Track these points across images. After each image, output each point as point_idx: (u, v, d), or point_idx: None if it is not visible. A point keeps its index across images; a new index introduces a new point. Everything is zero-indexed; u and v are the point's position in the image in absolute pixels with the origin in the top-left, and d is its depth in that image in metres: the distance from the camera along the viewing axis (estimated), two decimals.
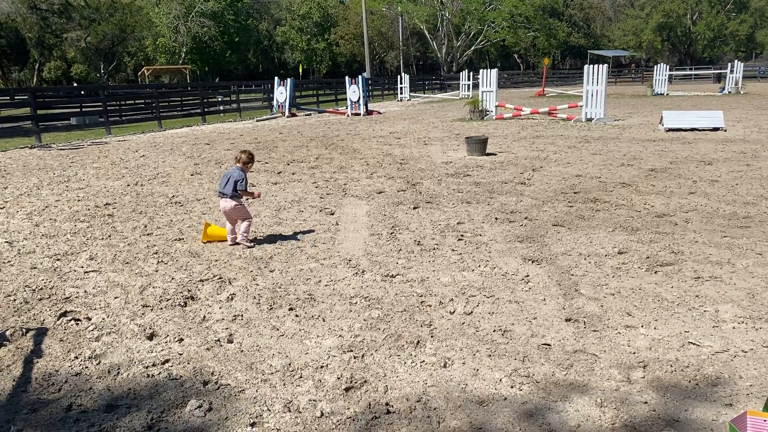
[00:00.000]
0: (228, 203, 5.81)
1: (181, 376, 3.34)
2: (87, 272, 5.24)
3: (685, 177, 8.80)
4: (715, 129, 14.66)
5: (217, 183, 9.51)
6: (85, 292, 4.74)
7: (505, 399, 3.03)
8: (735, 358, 3.36)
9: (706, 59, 66.73)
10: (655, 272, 4.83)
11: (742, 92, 32.87)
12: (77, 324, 4.12)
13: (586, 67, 18.23)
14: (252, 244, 5.95)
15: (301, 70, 51.59)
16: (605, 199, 7.50)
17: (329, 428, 2.82)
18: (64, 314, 4.27)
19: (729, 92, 33.06)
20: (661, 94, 33.57)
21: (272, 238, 6.19)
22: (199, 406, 3.01)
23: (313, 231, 6.46)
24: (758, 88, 37.90)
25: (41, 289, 4.82)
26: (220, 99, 28.99)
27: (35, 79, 63.28)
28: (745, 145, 11.92)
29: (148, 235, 6.50)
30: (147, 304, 4.44)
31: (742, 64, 34.96)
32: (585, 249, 5.52)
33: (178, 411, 3.00)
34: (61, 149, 15.31)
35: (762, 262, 4.97)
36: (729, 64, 35.01)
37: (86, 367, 3.48)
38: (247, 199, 5.95)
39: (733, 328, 3.76)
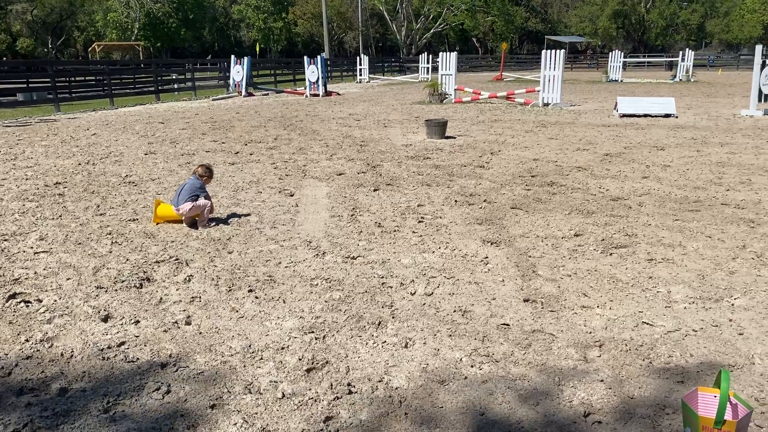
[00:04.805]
0: (184, 207, 5.67)
1: (137, 359, 3.27)
2: (37, 253, 5.07)
3: (638, 162, 9.01)
4: (667, 115, 15.04)
5: (172, 162, 9.30)
6: (36, 273, 4.59)
7: (466, 378, 3.06)
8: (686, 337, 3.47)
9: (659, 47, 68.21)
10: (610, 254, 4.94)
11: (692, 80, 33.77)
12: (27, 306, 3.98)
13: (543, 52, 18.42)
14: (210, 224, 5.84)
15: (258, 49, 50.73)
16: (562, 183, 7.62)
17: (291, 409, 2.80)
18: (13, 296, 4.12)
19: (680, 80, 33.94)
20: (616, 80, 34.25)
21: (230, 219, 6.09)
22: (157, 389, 2.96)
23: (272, 212, 6.38)
24: (708, 77, 39.01)
25: None
26: (174, 77, 28.31)
27: None
28: (696, 132, 12.27)
29: (101, 215, 6.32)
30: (101, 285, 4.33)
31: (693, 52, 35.87)
32: (542, 231, 5.60)
33: (136, 394, 2.93)
34: (6, 126, 14.72)
35: (711, 244, 5.13)
36: (680, 53, 35.89)
37: (38, 351, 3.37)
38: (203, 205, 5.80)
39: (685, 308, 3.88)
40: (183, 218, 5.84)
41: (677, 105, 15.87)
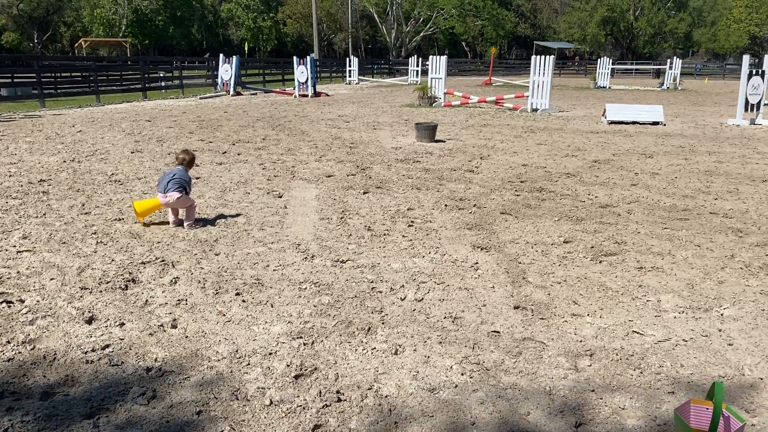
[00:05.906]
0: (172, 196, 5.58)
1: (122, 363, 3.21)
2: (20, 252, 4.97)
3: (627, 169, 9.04)
4: (655, 123, 15.13)
5: (159, 161, 9.20)
6: (18, 272, 4.50)
7: (456, 386, 3.03)
8: (676, 347, 3.46)
9: (647, 55, 68.73)
10: (600, 262, 4.93)
11: (679, 88, 34.06)
12: (9, 306, 3.90)
13: (533, 58, 18.46)
14: (197, 225, 5.77)
15: (246, 48, 50.47)
16: (551, 189, 7.62)
17: (279, 417, 2.75)
18: None
19: (668, 88, 34.21)
20: (604, 87, 34.47)
21: (217, 220, 6.02)
22: (142, 394, 2.90)
23: (260, 213, 6.32)
24: (694, 85, 39.37)
25: None
26: (162, 75, 28.11)
27: None
28: (684, 140, 12.35)
29: (86, 214, 6.23)
30: (85, 286, 4.25)
31: (680, 60, 36.20)
32: (532, 237, 5.59)
33: (120, 399, 2.87)
34: None
35: (700, 253, 5.14)
36: (668, 61, 36.18)
37: (19, 353, 3.29)
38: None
39: (674, 317, 3.87)
40: (169, 207, 5.72)
41: (665, 113, 15.97)
